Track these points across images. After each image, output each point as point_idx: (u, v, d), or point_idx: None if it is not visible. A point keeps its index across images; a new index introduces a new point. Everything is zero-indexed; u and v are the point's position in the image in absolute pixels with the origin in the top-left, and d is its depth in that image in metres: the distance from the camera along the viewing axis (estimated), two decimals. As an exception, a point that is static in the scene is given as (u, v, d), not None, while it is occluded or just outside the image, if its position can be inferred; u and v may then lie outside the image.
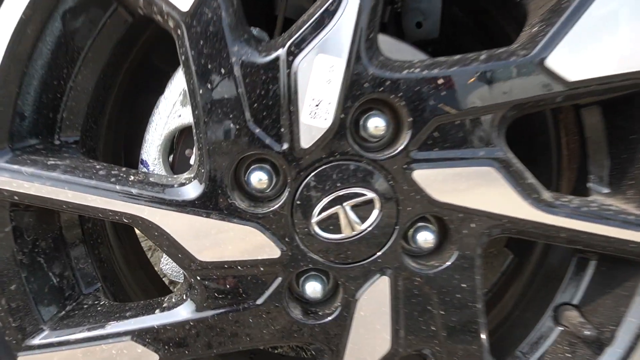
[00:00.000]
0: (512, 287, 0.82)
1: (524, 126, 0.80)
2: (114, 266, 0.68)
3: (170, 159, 0.63)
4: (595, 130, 0.62)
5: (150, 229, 0.50)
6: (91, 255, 0.61)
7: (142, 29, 0.63)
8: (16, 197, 0.50)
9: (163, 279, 0.91)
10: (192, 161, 0.59)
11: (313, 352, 0.57)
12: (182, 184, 0.51)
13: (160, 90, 0.68)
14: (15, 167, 0.49)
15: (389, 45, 0.59)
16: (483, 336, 0.57)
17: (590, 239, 0.54)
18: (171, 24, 0.48)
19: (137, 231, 0.85)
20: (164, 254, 0.63)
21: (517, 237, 0.75)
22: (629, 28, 0.49)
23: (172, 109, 0.55)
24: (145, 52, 0.69)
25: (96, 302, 0.58)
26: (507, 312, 0.78)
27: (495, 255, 0.97)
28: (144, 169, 0.59)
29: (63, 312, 0.56)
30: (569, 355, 0.62)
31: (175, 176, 0.53)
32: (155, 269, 0.87)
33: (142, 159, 0.58)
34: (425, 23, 1.08)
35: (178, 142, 0.59)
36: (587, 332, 0.59)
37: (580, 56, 0.49)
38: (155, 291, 0.80)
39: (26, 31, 0.48)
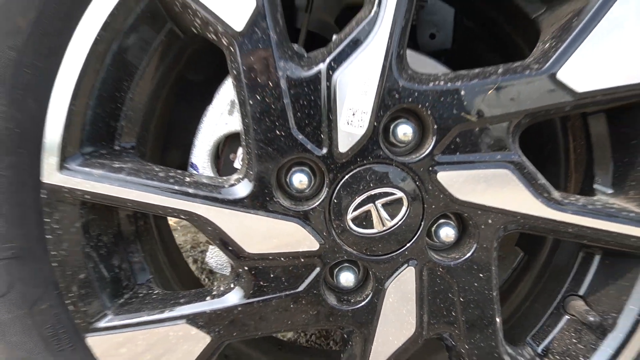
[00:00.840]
0: (523, 281, 0.88)
1: (536, 132, 0.86)
2: (160, 262, 0.75)
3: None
4: (601, 136, 0.69)
5: (205, 224, 0.57)
6: (143, 249, 0.68)
7: (184, 45, 0.70)
8: (87, 196, 0.56)
9: (198, 276, 0.97)
10: (235, 164, 0.65)
11: (346, 336, 0.64)
12: (233, 185, 0.58)
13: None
14: (87, 169, 0.56)
15: (412, 58, 0.65)
16: (498, 320, 0.63)
17: (595, 234, 0.60)
18: (225, 41, 0.55)
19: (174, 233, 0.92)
20: (210, 249, 0.69)
21: (527, 236, 0.81)
22: (630, 45, 0.55)
23: (219, 118, 0.62)
24: (184, 66, 0.75)
25: (150, 292, 0.65)
26: (518, 304, 0.84)
27: (507, 254, 1.03)
28: (194, 172, 0.65)
29: (122, 300, 0.63)
30: (575, 341, 0.69)
31: (226, 177, 0.59)
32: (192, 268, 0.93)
33: (192, 163, 0.64)
34: (439, 35, 1.15)
35: (223, 147, 0.65)
36: (591, 319, 0.65)
37: (588, 70, 0.56)
38: (192, 286, 0.87)
39: (97, 50, 0.55)
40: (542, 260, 0.84)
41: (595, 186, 0.70)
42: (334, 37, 0.87)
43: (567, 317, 0.71)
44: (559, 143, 0.80)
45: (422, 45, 1.18)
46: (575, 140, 0.75)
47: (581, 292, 0.71)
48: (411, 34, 1.12)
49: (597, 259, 0.70)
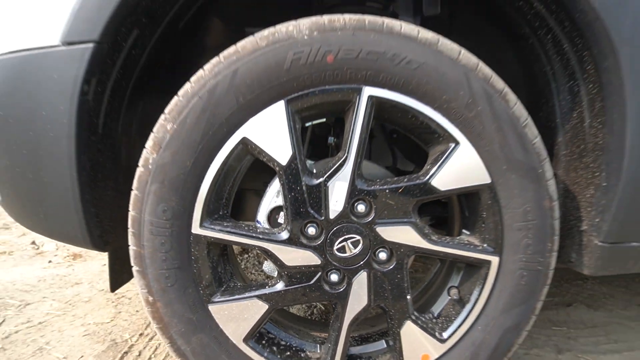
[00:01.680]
0: (437, 280, 1.52)
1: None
2: (232, 268, 1.39)
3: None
4: (463, 205, 1.34)
5: (266, 252, 1.21)
6: (229, 262, 1.32)
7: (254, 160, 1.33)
8: (212, 239, 1.20)
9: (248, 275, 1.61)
10: (279, 221, 1.29)
11: (334, 305, 1.28)
12: (280, 232, 1.22)
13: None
14: (212, 227, 1.20)
15: (364, 164, 1.30)
16: (408, 297, 1.27)
17: (453, 256, 1.25)
18: (277, 168, 1.18)
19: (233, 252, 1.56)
20: (265, 262, 1.33)
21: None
22: (460, 169, 1.19)
23: (271, 199, 1.26)
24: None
25: (236, 284, 1.29)
26: (431, 294, 1.48)
27: (433, 264, 1.67)
28: (259, 225, 1.29)
29: (223, 288, 1.26)
30: (451, 309, 1.33)
31: (275, 229, 1.23)
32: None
33: (257, 220, 1.28)
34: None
35: (272, 213, 1.29)
36: (455, 297, 1.29)
37: (444, 179, 1.20)
38: (243, 281, 1.50)
39: (220, 169, 1.18)
40: (446, 267, 1.49)
41: (462, 230, 1.35)
42: (330, 138, 1.53)
43: (449, 297, 1.35)
44: (454, 207, 1.45)
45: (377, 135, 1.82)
46: (457, 206, 1.40)
47: (456, 284, 1.35)
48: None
49: (463, 268, 1.35)
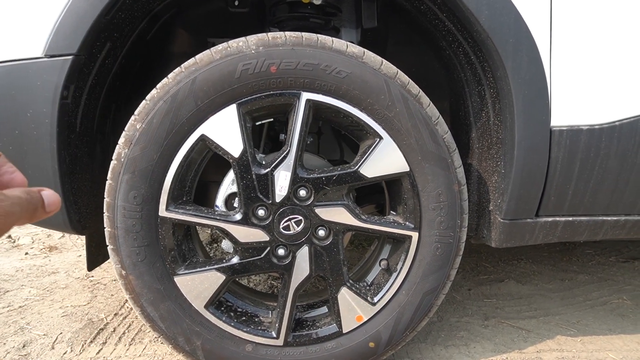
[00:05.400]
0: (373, 256, 1.78)
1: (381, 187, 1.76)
2: (196, 246, 1.61)
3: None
4: (390, 191, 1.59)
5: (223, 231, 1.44)
6: (193, 241, 1.54)
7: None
8: (176, 221, 1.42)
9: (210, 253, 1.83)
10: (234, 205, 1.51)
11: (280, 275, 1.51)
12: (234, 215, 1.44)
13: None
14: (176, 210, 1.42)
15: (306, 156, 1.54)
16: (345, 269, 1.52)
17: (380, 232, 1.50)
18: (230, 160, 1.41)
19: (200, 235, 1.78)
20: (224, 240, 1.56)
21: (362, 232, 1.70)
22: (384, 160, 1.45)
23: (227, 186, 1.49)
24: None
25: (198, 259, 1.51)
26: (367, 267, 1.74)
27: (372, 242, 1.93)
28: (218, 209, 1.51)
29: (187, 262, 1.49)
30: (381, 277, 1.59)
31: (231, 211, 1.46)
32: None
33: (216, 205, 1.50)
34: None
35: (228, 198, 1.51)
36: (384, 267, 1.55)
37: (370, 168, 1.45)
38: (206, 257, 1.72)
39: (182, 161, 1.40)
40: (381, 243, 1.74)
41: (391, 211, 1.61)
42: (281, 135, 1.77)
43: (380, 268, 1.61)
44: (385, 194, 1.70)
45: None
46: (386, 192, 1.66)
47: (386, 257, 1.61)
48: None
49: (391, 243, 1.61)
